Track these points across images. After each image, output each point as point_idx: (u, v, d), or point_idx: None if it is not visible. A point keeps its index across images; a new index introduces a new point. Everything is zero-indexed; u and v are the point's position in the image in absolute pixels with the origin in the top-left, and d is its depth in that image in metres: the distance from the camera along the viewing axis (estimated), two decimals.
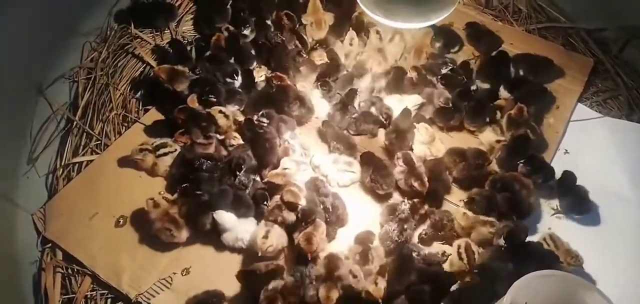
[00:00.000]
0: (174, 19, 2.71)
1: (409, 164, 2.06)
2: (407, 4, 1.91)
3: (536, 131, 2.23)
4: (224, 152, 2.16)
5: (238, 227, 1.92)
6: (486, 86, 2.44)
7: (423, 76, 2.39)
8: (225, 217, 1.90)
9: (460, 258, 1.86)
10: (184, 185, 1.99)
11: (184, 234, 1.93)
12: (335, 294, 1.71)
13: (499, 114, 2.31)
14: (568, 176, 2.11)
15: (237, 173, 2.03)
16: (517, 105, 2.22)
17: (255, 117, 2.19)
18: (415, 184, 2.01)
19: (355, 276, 1.79)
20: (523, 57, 2.53)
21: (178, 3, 2.79)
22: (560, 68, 2.51)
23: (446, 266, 1.90)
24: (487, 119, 2.30)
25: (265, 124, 2.17)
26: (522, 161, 2.10)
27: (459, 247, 1.89)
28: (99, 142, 2.26)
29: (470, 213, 1.97)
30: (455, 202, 2.11)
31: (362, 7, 2.07)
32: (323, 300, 1.71)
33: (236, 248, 1.94)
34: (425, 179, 2.02)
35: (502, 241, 1.87)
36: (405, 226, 1.95)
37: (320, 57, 2.42)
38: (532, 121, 2.25)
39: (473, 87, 2.41)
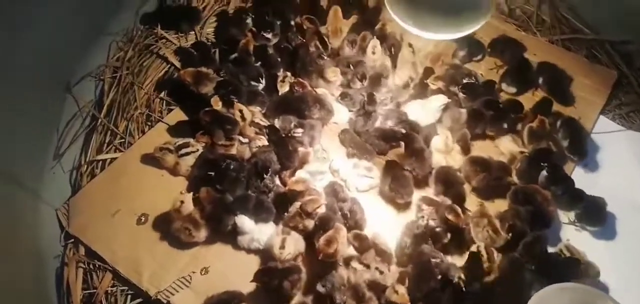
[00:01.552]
0: (198, 23, 2.73)
1: (432, 204, 2.04)
2: (440, 15, 1.87)
3: (558, 144, 2.24)
4: (248, 154, 2.18)
5: (255, 230, 1.94)
6: (512, 89, 2.45)
7: (446, 85, 2.39)
8: (245, 221, 1.93)
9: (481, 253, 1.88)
10: (210, 178, 2.03)
11: (202, 234, 1.96)
12: None
13: (520, 126, 2.31)
14: (583, 191, 2.09)
15: (265, 176, 2.05)
16: (538, 117, 2.22)
17: (289, 128, 2.21)
18: (450, 217, 1.96)
19: (381, 272, 1.82)
20: (545, 67, 2.53)
21: (203, 5, 2.82)
22: (573, 95, 2.48)
23: None
24: (505, 126, 2.29)
25: (299, 135, 2.20)
26: (545, 170, 2.10)
27: (477, 248, 1.90)
28: (123, 140, 2.29)
29: (486, 205, 2.01)
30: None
31: (392, 15, 2.04)
32: None
33: (252, 249, 1.96)
34: (460, 211, 1.97)
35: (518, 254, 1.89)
36: (421, 242, 1.93)
37: (334, 74, 2.41)
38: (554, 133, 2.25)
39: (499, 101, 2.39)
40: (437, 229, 1.95)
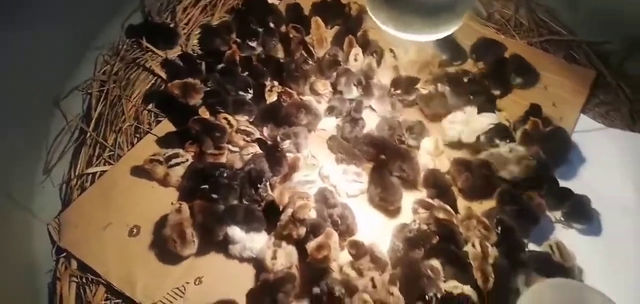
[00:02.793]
0: (173, 45, 2.71)
1: (428, 207, 2.07)
2: (420, 17, 1.94)
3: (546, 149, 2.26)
4: (239, 163, 2.20)
5: (247, 239, 1.95)
6: (497, 91, 2.51)
7: (435, 88, 2.45)
8: (236, 231, 1.94)
9: (474, 247, 1.91)
10: (203, 187, 2.04)
11: (186, 251, 1.95)
12: None
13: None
14: (570, 189, 2.14)
15: (258, 186, 2.07)
16: (531, 119, 2.27)
17: (277, 138, 2.24)
18: (440, 215, 2.01)
19: (374, 286, 1.82)
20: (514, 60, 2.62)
21: (188, 17, 2.84)
22: (538, 73, 2.58)
23: None
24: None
25: (286, 145, 2.22)
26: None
27: (472, 244, 1.92)
28: (112, 153, 2.29)
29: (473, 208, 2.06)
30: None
31: (374, 19, 2.10)
32: None
33: (245, 257, 1.97)
34: (451, 210, 2.04)
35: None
36: (414, 245, 1.95)
37: (324, 87, 2.46)
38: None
39: None
40: (428, 231, 1.98)
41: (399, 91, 2.44)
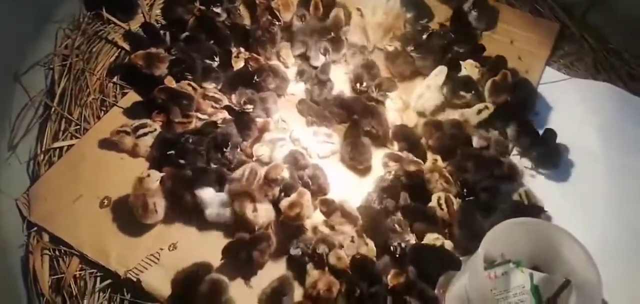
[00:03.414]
0: (132, 15, 2.66)
1: (398, 160, 2.10)
2: None
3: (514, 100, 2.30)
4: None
5: (219, 203, 1.94)
6: (462, 49, 2.50)
7: (402, 46, 2.47)
8: (207, 194, 1.93)
9: (441, 208, 1.94)
10: (169, 152, 2.03)
11: (149, 220, 1.94)
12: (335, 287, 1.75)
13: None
14: (547, 134, 2.20)
15: (225, 150, 2.06)
16: (501, 71, 2.29)
17: (241, 103, 2.23)
18: (410, 168, 2.04)
19: (352, 241, 1.87)
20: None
21: None
22: (497, 11, 2.67)
23: None
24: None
25: (250, 110, 2.22)
26: (515, 124, 2.22)
27: (438, 199, 1.96)
28: (79, 127, 2.26)
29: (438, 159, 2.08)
30: None
31: None
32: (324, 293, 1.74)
33: (221, 222, 1.96)
34: (420, 161, 2.08)
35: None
36: (385, 195, 1.99)
37: (288, 56, 2.47)
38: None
39: None
40: (399, 181, 2.02)
41: (364, 85, 2.38)
